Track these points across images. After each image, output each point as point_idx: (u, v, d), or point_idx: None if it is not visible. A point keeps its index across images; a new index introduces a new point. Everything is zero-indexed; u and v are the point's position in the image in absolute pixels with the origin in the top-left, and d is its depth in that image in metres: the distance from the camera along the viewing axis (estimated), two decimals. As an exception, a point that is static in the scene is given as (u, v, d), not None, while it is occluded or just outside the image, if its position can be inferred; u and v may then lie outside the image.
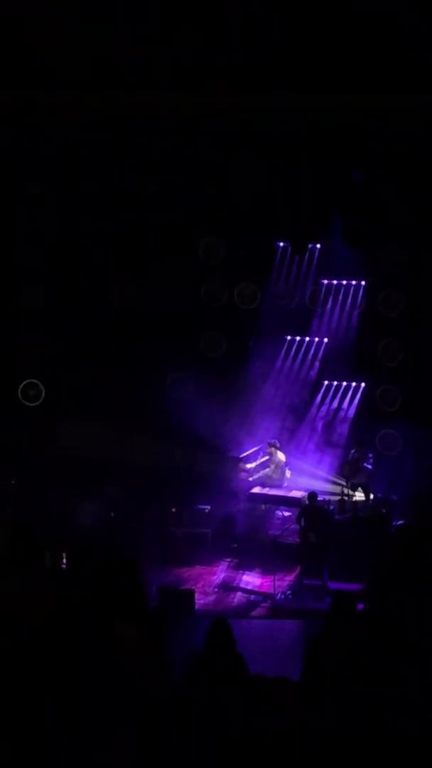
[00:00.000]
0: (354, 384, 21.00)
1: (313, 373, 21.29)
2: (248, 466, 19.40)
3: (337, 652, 6.28)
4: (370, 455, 19.12)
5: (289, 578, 16.77)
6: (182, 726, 4.91)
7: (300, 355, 21.34)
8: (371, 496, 18.68)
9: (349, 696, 5.27)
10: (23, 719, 3.90)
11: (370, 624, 6.99)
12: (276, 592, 16.02)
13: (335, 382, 21.16)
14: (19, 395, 20.43)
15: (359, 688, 5.31)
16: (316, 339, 21.32)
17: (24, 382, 20.43)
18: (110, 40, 14.36)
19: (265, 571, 17.04)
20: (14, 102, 15.61)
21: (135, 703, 4.28)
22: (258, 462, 19.57)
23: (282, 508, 18.96)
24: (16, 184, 19.08)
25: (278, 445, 19.42)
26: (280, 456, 19.31)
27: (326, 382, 21.19)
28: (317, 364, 21.27)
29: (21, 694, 4.01)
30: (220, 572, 17.41)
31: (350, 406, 20.95)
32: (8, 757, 3.83)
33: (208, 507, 18.93)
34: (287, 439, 20.28)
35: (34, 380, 20.45)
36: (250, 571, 17.42)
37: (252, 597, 16.22)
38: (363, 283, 21.00)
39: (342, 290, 21.24)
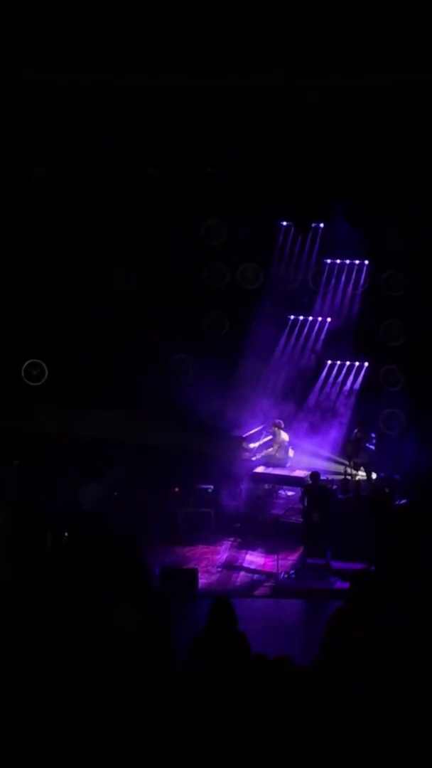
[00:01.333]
0: (357, 363, 20.97)
1: (316, 352, 21.25)
2: (251, 445, 19.42)
3: (356, 630, 6.29)
4: (373, 435, 19.12)
5: (293, 557, 16.81)
6: (185, 705, 4.93)
7: (303, 335, 21.30)
8: (374, 476, 18.68)
9: (361, 676, 5.27)
10: (22, 700, 3.91)
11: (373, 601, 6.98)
12: (279, 571, 16.07)
13: (338, 362, 21.12)
14: (22, 375, 20.43)
15: (370, 667, 5.32)
16: (319, 319, 21.27)
17: (27, 362, 20.43)
18: (110, 21, 14.29)
19: (269, 551, 17.11)
20: (16, 82, 15.55)
21: (137, 683, 4.30)
22: (261, 441, 19.59)
23: (285, 487, 19.00)
24: (18, 167, 19.03)
25: (282, 424, 19.42)
26: (284, 435, 19.31)
27: (329, 362, 21.16)
28: (320, 343, 21.23)
29: (20, 675, 4.02)
30: (223, 552, 17.46)
31: (353, 385, 20.92)
32: (7, 740, 3.84)
33: (211, 486, 18.96)
34: (286, 419, 20.20)
35: (37, 360, 20.44)
36: (253, 550, 17.48)
37: (255, 576, 16.27)
38: (366, 262, 20.92)
39: (345, 270, 21.17)
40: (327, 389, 21.11)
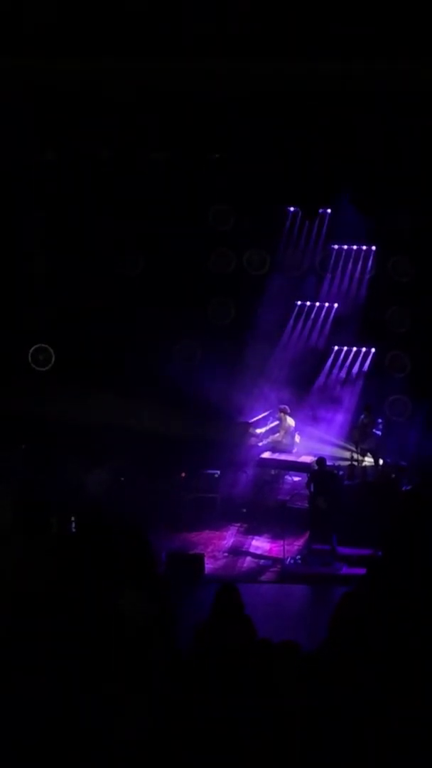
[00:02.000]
0: (363, 349, 20.95)
1: (323, 338, 21.23)
2: (258, 431, 19.44)
3: (364, 616, 6.30)
4: (379, 421, 19.12)
5: (299, 543, 16.84)
6: (190, 690, 4.95)
7: (309, 321, 21.27)
8: (380, 462, 18.70)
9: (365, 662, 5.29)
10: (24, 686, 3.92)
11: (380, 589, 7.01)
12: (285, 556, 16.10)
13: (345, 348, 21.10)
14: (29, 360, 20.44)
15: (374, 653, 5.34)
16: (326, 304, 21.25)
17: (34, 347, 20.44)
18: (118, 5, 14.22)
19: (275, 536, 17.13)
20: (21, 68, 15.49)
21: (142, 668, 4.32)
22: (267, 427, 19.60)
23: (291, 473, 19.01)
24: (23, 153, 18.99)
25: (288, 410, 19.43)
26: (290, 421, 19.33)
27: (335, 348, 21.14)
28: (326, 329, 21.21)
29: (23, 661, 4.02)
30: (229, 537, 17.50)
31: (359, 371, 20.91)
32: (9, 725, 3.84)
33: (218, 472, 18.97)
34: (293, 405, 20.17)
35: (44, 345, 20.45)
36: (259, 535, 17.52)
37: (261, 562, 16.32)
38: (373, 248, 20.88)
39: (352, 255, 21.14)
40: (333, 375, 21.10)
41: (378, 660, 4.82)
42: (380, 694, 4.57)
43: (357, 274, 21.03)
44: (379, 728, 4.38)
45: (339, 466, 18.14)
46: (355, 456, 18.57)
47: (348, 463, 18.24)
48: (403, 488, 17.19)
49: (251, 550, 16.90)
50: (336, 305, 21.15)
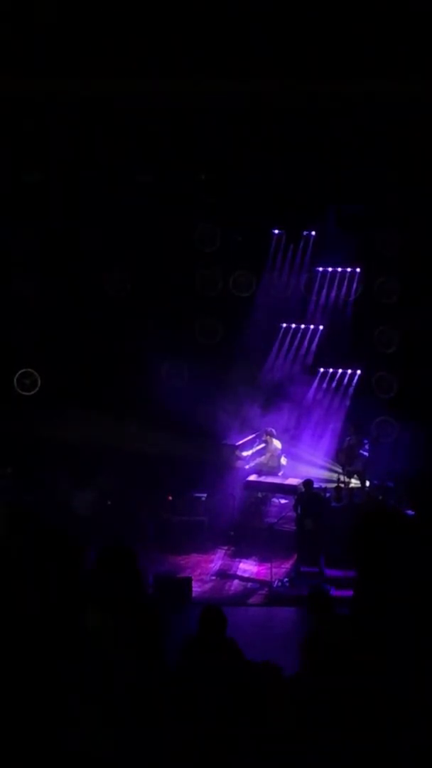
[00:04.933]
0: (350, 371, 20.93)
1: (309, 360, 21.21)
2: (244, 453, 19.38)
3: (329, 643, 6.26)
4: (366, 442, 19.10)
5: (286, 566, 16.79)
6: (175, 713, 4.91)
7: (295, 343, 21.26)
8: (367, 483, 18.67)
9: (343, 686, 5.24)
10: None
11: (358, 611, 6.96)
12: (273, 579, 16.03)
13: (331, 369, 21.08)
14: (15, 384, 20.39)
15: (352, 676, 5.29)
16: (312, 326, 21.25)
17: (19, 371, 20.40)
18: (105, 28, 14.31)
19: (262, 559, 17.07)
20: (12, 89, 15.55)
21: (127, 693, 4.28)
22: (254, 450, 19.55)
23: (278, 495, 18.97)
24: (12, 171, 19.02)
25: (274, 432, 19.40)
26: (276, 443, 19.29)
27: (322, 369, 21.12)
28: (313, 351, 21.19)
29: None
30: (217, 560, 17.43)
31: (346, 392, 20.89)
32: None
33: (205, 495, 18.93)
34: (279, 427, 20.12)
35: (29, 369, 20.41)
36: (246, 558, 17.46)
37: (249, 584, 16.24)
38: (358, 270, 20.93)
39: (338, 277, 21.16)
40: (320, 396, 21.07)
41: (363, 681, 4.78)
42: (366, 715, 4.53)
43: (342, 295, 21.04)
44: (366, 750, 4.33)
45: (326, 488, 18.10)
46: (342, 478, 18.54)
47: (335, 484, 18.21)
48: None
49: (239, 573, 16.84)
50: (321, 327, 21.16)
